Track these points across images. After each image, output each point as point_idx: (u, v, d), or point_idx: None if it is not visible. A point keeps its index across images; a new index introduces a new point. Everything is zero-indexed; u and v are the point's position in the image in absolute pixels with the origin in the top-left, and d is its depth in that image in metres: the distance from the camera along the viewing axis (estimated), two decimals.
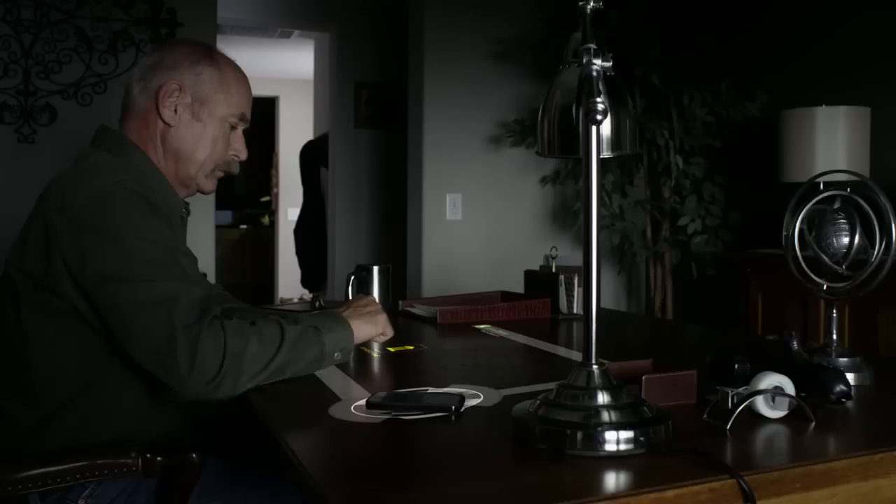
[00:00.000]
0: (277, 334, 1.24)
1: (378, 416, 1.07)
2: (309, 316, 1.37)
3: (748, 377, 1.08)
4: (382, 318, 1.47)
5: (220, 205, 4.08)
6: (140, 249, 1.22)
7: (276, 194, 8.58)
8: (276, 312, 1.55)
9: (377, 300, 1.58)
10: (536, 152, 1.19)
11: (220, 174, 1.56)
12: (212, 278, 3.65)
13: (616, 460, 0.88)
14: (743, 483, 0.82)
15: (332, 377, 1.34)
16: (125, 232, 1.23)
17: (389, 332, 1.50)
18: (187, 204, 1.55)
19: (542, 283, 2.21)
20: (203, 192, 1.55)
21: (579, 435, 0.90)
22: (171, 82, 1.44)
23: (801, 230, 1.34)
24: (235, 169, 1.57)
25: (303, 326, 1.29)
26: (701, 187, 3.59)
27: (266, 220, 9.52)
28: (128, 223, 1.24)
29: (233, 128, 1.52)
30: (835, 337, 1.32)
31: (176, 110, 1.45)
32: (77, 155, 1.42)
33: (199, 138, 1.47)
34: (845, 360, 1.29)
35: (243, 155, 1.56)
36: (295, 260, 6.17)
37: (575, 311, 2.10)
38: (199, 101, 1.46)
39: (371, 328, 1.44)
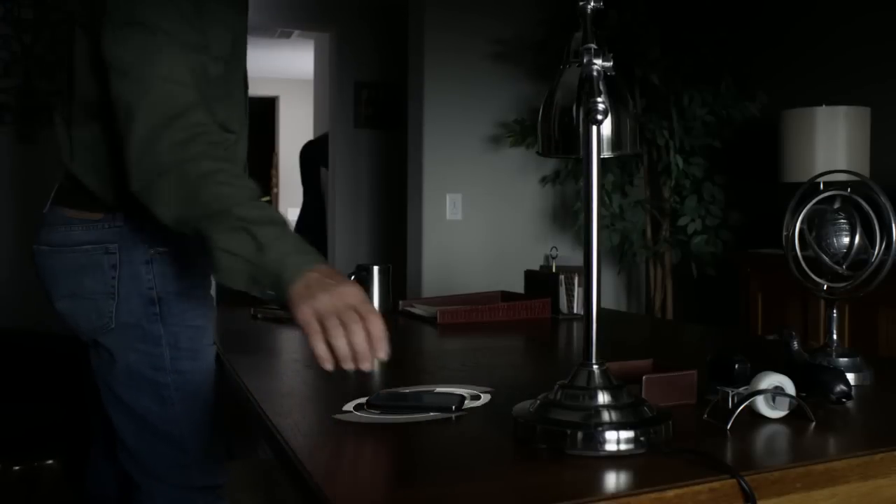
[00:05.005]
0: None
1: (378, 416, 1.07)
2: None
3: (748, 377, 1.08)
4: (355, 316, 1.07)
5: None
6: None
7: (276, 194, 8.58)
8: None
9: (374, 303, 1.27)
10: (536, 152, 1.19)
11: None
12: None
13: (616, 460, 0.88)
14: (743, 483, 0.82)
15: (332, 377, 1.34)
16: None
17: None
18: None
19: (542, 283, 2.21)
20: None
21: (579, 435, 0.90)
22: None
23: (801, 230, 1.34)
24: None
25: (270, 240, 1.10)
26: (701, 187, 3.59)
27: None
28: None
29: None
30: (835, 337, 1.32)
31: None
32: None
33: None
34: (845, 360, 1.29)
35: None
36: None
37: (575, 311, 2.10)
38: None
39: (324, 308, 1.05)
